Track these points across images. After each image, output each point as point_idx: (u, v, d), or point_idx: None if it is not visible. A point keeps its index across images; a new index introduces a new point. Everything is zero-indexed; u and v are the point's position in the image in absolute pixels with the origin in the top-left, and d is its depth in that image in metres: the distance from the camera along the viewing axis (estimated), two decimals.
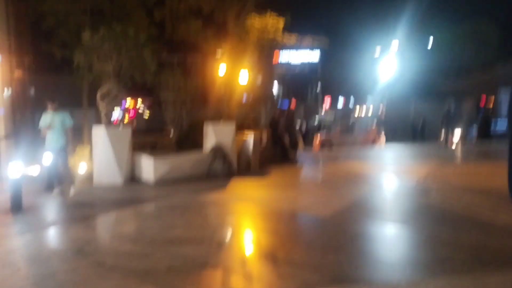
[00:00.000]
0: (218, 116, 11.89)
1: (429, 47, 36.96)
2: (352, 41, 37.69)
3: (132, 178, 9.53)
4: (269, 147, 12.69)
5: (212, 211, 6.67)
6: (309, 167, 12.79)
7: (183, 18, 13.17)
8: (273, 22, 13.20)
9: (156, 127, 16.54)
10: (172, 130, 11.77)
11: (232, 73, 12.97)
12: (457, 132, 16.72)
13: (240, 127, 11.72)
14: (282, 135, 13.05)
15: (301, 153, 14.70)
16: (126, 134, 9.64)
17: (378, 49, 37.07)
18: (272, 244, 4.72)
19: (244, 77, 12.72)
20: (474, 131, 21.59)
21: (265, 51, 13.67)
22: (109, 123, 9.72)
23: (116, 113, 10.67)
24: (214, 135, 10.43)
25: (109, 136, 9.27)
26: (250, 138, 11.23)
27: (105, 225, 6.16)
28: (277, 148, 12.90)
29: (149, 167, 9.31)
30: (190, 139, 11.31)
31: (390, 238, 5.01)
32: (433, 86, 31.40)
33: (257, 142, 11.42)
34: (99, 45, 9.30)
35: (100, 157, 9.36)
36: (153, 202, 7.45)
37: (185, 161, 9.95)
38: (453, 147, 16.07)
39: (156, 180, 9.12)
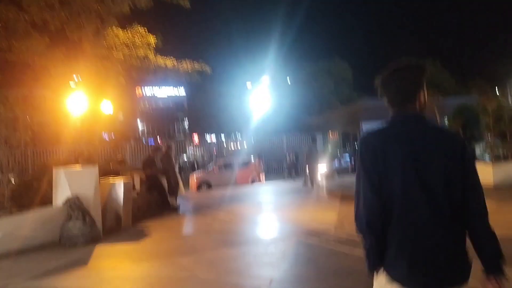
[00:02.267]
0: (74, 158, 9.15)
1: (290, 84, 38.50)
2: (223, 76, 37.27)
3: None
4: (143, 194, 10.24)
5: None
6: (193, 216, 10.63)
7: (23, 34, 10.07)
8: (143, 38, 10.91)
9: None
10: (5, 180, 8.57)
11: (91, 104, 10.32)
12: (322, 168, 15.61)
13: (105, 171, 9.12)
14: (159, 178, 10.72)
15: (181, 197, 12.45)
16: None
17: (248, 84, 37.25)
18: None
19: (108, 108, 10.17)
20: (338, 164, 21.74)
21: (134, 73, 11.28)
22: None
23: None
24: (68, 184, 7.66)
25: None
26: (118, 184, 8.68)
27: None
28: (154, 195, 10.49)
29: None
30: (33, 191, 8.31)
31: None
32: (299, 120, 32.15)
33: (128, 189, 8.91)
34: None
35: None
36: None
37: (25, 224, 7.07)
38: (320, 183, 14.55)
39: None
